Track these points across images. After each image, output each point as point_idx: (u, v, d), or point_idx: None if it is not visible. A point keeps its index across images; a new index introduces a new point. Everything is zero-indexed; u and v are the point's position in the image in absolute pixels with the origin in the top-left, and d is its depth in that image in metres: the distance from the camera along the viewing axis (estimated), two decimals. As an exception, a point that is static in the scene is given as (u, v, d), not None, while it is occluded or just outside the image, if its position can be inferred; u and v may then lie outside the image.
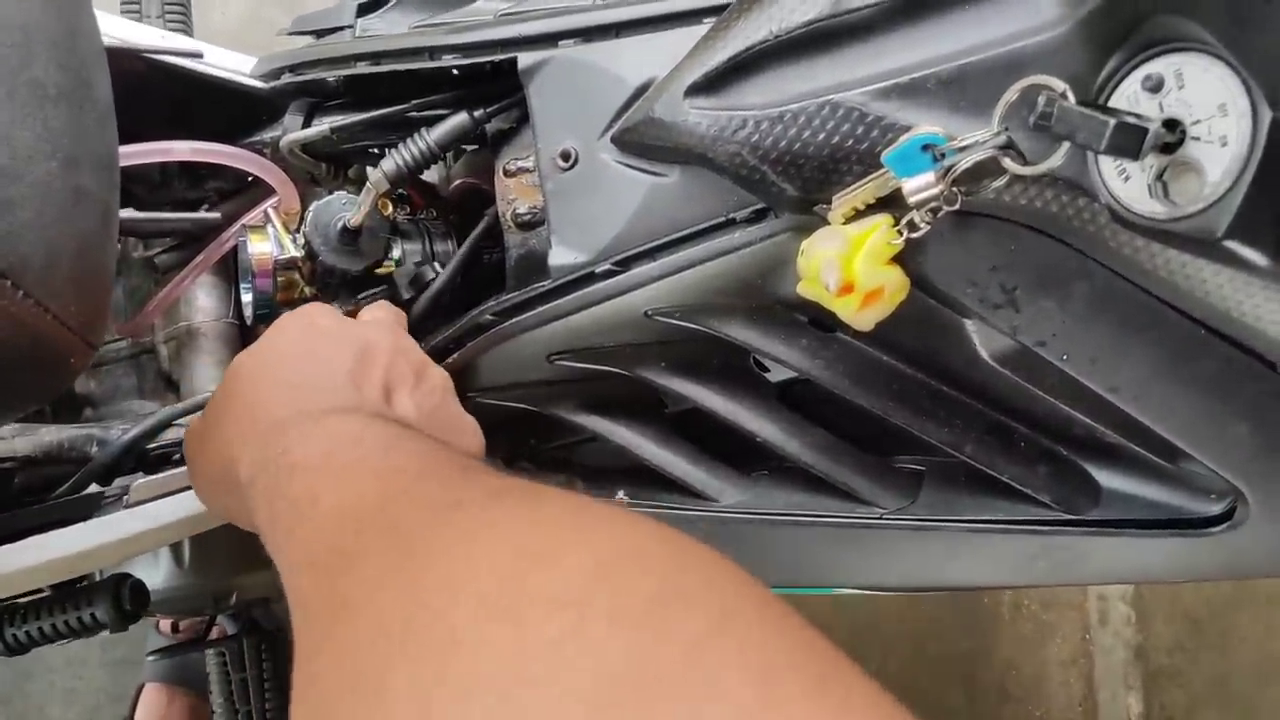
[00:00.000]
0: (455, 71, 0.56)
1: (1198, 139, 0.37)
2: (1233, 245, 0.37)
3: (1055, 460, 0.50)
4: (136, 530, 0.53)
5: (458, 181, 0.71)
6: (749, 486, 0.55)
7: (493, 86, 0.57)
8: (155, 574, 0.79)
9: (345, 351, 0.47)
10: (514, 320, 0.52)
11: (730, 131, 0.45)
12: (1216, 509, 0.47)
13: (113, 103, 0.40)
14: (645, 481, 0.57)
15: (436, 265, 0.63)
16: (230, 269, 0.69)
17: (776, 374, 0.56)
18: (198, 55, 0.58)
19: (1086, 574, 0.50)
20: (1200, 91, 0.36)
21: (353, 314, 0.57)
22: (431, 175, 0.71)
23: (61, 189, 0.34)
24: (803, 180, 0.45)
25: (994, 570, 0.51)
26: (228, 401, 0.46)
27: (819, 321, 0.52)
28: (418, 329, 0.62)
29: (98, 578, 0.64)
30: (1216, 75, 0.36)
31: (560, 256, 0.51)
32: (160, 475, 0.55)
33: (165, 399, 0.70)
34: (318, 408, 0.42)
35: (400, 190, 0.63)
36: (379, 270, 0.63)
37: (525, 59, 0.53)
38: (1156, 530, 0.48)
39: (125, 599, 0.59)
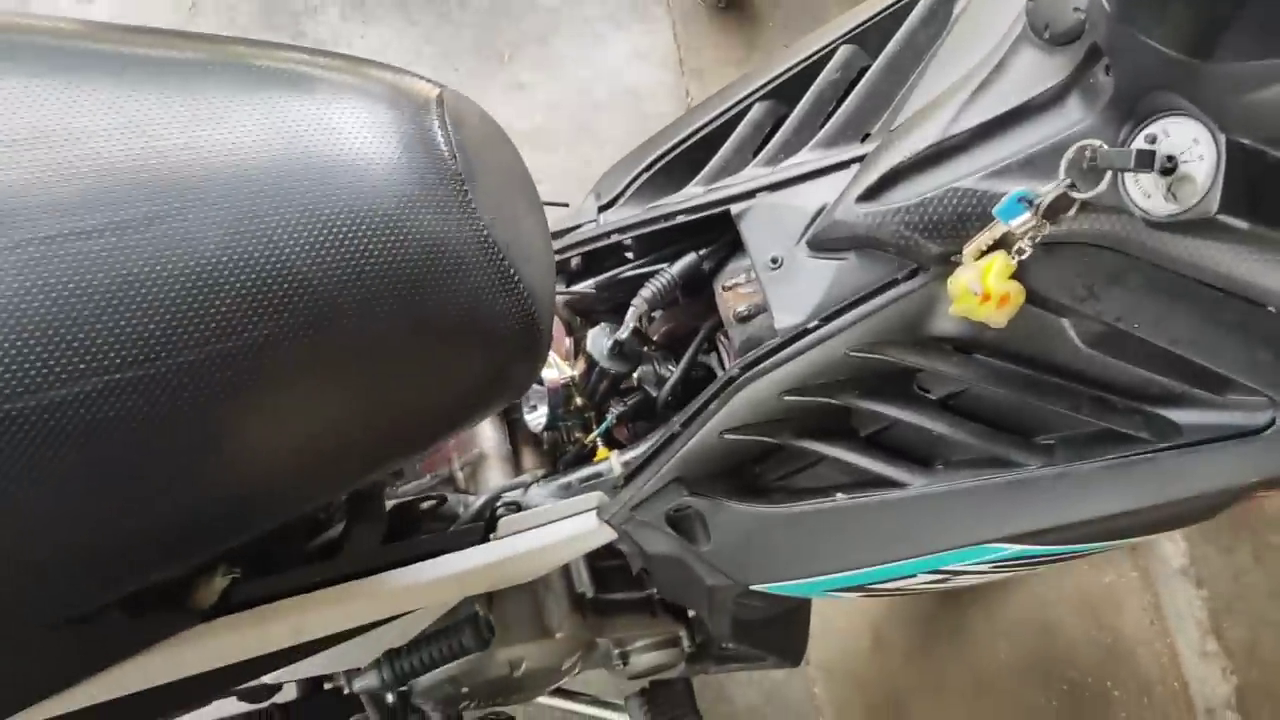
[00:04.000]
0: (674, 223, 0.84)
1: (1187, 162, 0.62)
2: (1224, 218, 0.61)
3: (1143, 413, 0.72)
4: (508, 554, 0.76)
5: (664, 329, 0.97)
6: (931, 473, 0.77)
7: (704, 236, 0.85)
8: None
9: None
10: (756, 369, 0.77)
11: (890, 218, 0.71)
12: (1262, 419, 0.68)
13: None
14: (850, 486, 0.79)
15: (663, 372, 0.88)
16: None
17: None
18: None
19: (1189, 488, 0.70)
20: (1181, 136, 0.62)
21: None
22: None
23: (546, 259, 0.60)
24: (941, 239, 0.70)
25: (1119, 498, 0.72)
26: None
27: (961, 348, 0.76)
28: (658, 414, 0.87)
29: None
30: (1188, 126, 0.61)
31: (783, 321, 0.76)
32: (520, 514, 0.78)
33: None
34: None
35: (653, 315, 0.89)
36: (630, 381, 0.88)
37: (735, 208, 0.81)
38: (1225, 441, 0.69)
39: (483, 627, 0.80)
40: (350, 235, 0.52)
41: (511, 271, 0.57)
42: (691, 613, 1.08)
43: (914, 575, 0.84)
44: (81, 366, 0.45)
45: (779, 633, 1.11)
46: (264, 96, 0.55)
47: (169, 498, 0.50)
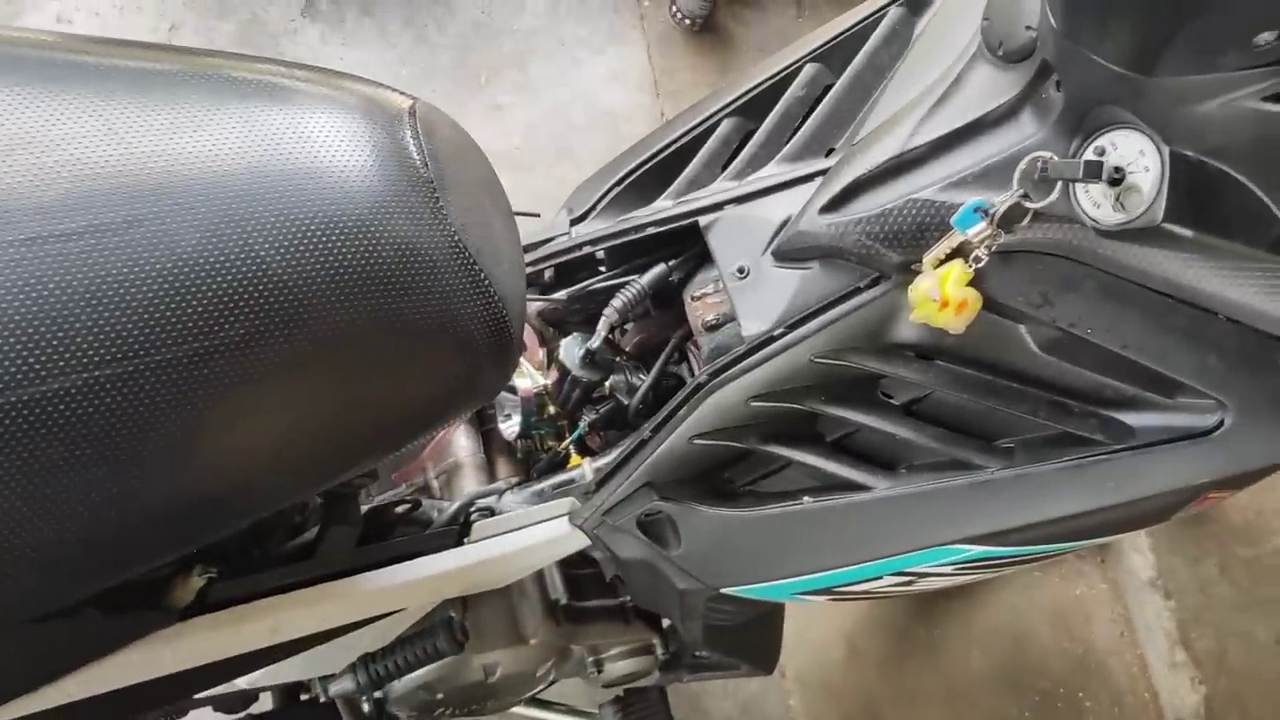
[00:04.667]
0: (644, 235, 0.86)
1: (1134, 173, 0.64)
2: (1169, 226, 0.63)
3: (1098, 416, 0.75)
4: (482, 558, 0.77)
5: (635, 339, 0.99)
6: (895, 477, 0.79)
7: (673, 248, 0.87)
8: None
9: None
10: (723, 375, 0.78)
11: (852, 228, 0.74)
12: (1211, 421, 0.71)
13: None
14: (817, 489, 0.81)
15: (635, 381, 0.90)
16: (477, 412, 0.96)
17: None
18: None
19: (1145, 488, 0.72)
20: (1128, 148, 0.64)
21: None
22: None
23: (517, 265, 0.62)
24: (902, 248, 0.73)
25: (1077, 499, 0.74)
26: None
27: (922, 354, 0.78)
28: (629, 422, 0.89)
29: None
30: (1134, 138, 0.64)
31: (750, 328, 0.78)
32: (493, 519, 0.79)
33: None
34: None
35: (624, 325, 0.91)
36: (602, 390, 0.90)
37: (703, 220, 0.83)
38: (1177, 442, 0.71)
39: (457, 631, 0.81)
40: (324, 239, 0.54)
41: (482, 276, 0.59)
42: (665, 621, 1.09)
43: (880, 577, 0.86)
44: (61, 363, 0.47)
45: (752, 640, 1.12)
46: (241, 106, 0.57)
47: (146, 492, 0.51)
